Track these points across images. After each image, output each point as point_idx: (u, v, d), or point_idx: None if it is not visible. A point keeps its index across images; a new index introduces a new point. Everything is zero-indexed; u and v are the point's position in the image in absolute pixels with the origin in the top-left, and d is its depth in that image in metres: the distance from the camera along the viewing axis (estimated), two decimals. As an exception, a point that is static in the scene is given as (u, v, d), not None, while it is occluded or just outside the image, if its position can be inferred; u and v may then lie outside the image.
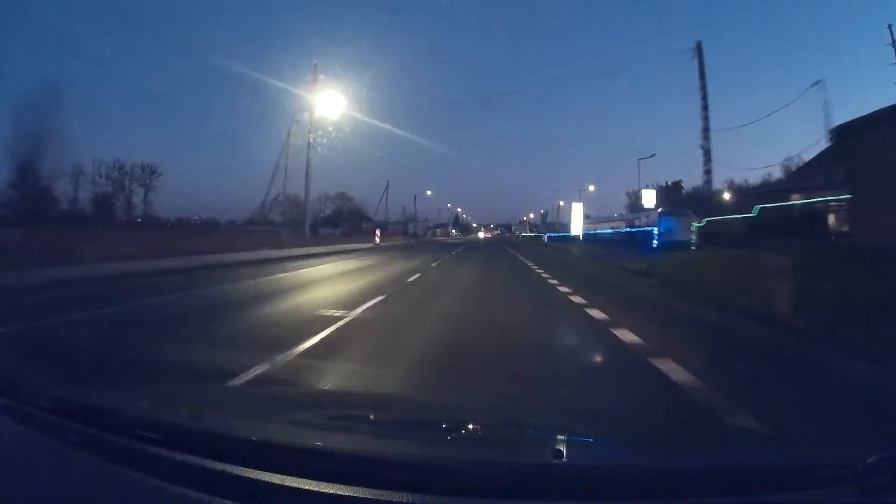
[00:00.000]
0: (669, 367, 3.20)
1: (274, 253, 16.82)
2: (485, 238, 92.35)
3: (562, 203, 72.53)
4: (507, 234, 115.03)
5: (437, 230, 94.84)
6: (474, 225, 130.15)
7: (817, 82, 29.09)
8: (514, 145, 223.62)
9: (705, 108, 28.21)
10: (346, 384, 3.08)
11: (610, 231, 39.22)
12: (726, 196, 46.07)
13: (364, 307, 5.99)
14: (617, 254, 16.91)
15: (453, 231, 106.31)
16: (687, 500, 0.89)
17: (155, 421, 1.14)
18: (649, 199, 41.57)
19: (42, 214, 28.46)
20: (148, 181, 48.90)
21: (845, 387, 2.98)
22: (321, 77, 30.28)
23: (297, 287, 8.82)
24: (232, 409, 1.40)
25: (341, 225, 54.38)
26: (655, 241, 25.47)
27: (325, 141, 30.85)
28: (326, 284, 9.36)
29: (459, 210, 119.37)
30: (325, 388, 2.92)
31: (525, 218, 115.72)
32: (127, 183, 47.13)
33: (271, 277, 10.24)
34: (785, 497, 0.90)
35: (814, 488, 0.91)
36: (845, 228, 14.46)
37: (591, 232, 45.38)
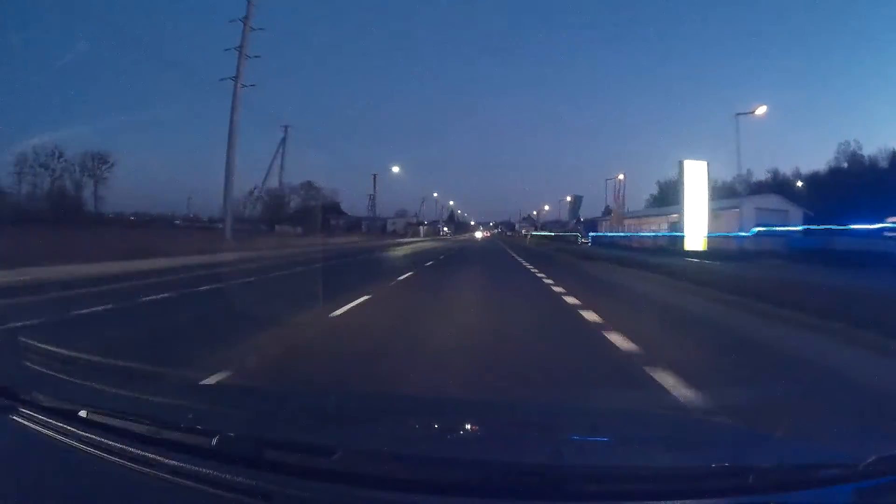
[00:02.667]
0: None
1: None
2: (483, 237, 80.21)
3: (621, 177, 41.46)
4: (508, 234, 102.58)
5: (422, 228, 78.16)
6: (472, 223, 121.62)
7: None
8: (512, 142, 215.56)
9: None
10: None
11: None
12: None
13: None
14: None
15: (445, 229, 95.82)
16: (687, 500, 0.91)
17: (155, 421, 1.15)
18: None
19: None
20: (98, 171, 41.78)
21: None
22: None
23: None
24: (231, 408, 1.39)
25: (305, 221, 46.14)
26: None
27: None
28: None
29: (452, 203, 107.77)
30: (325, 387, 2.95)
31: (534, 212, 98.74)
32: (77, 173, 39.97)
33: None
34: (785, 497, 0.92)
35: (814, 488, 0.93)
36: None
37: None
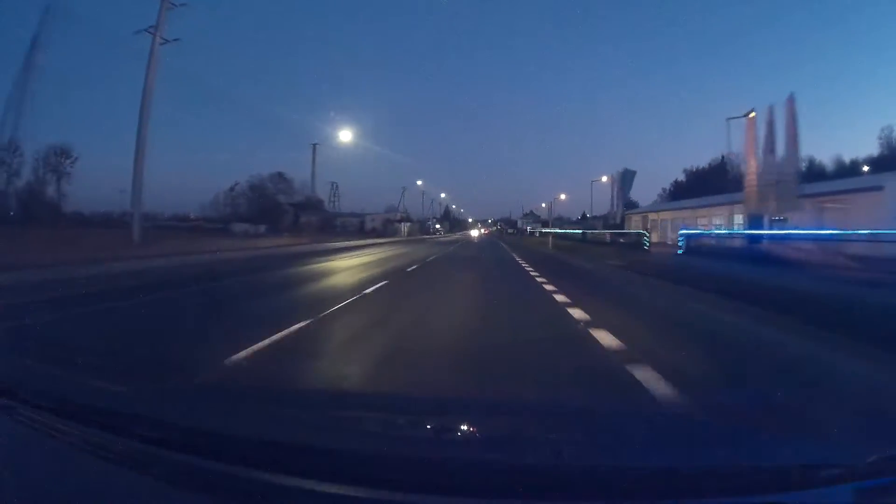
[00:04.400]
0: None
1: None
2: (481, 236, 68.93)
3: (753, 115, 19.46)
4: (510, 231, 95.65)
5: (405, 225, 63.20)
6: (469, 220, 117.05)
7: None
8: (512, 140, 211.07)
9: None
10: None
11: None
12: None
13: None
14: None
15: (437, 227, 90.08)
16: (687, 500, 0.92)
17: (155, 421, 1.16)
18: None
19: None
20: (60, 166, 38.97)
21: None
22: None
23: None
24: (232, 408, 1.40)
25: (270, 218, 41.08)
26: None
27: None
28: None
29: (444, 195, 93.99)
30: (325, 387, 2.91)
31: (543, 205, 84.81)
32: (41, 169, 36.99)
33: None
34: (785, 497, 0.93)
35: (814, 488, 0.94)
36: None
37: None
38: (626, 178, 39.60)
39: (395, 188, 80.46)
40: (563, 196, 70.06)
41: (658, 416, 1.85)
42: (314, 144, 32.11)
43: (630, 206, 44.55)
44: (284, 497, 0.93)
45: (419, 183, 74.87)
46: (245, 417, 1.27)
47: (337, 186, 55.90)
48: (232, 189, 53.45)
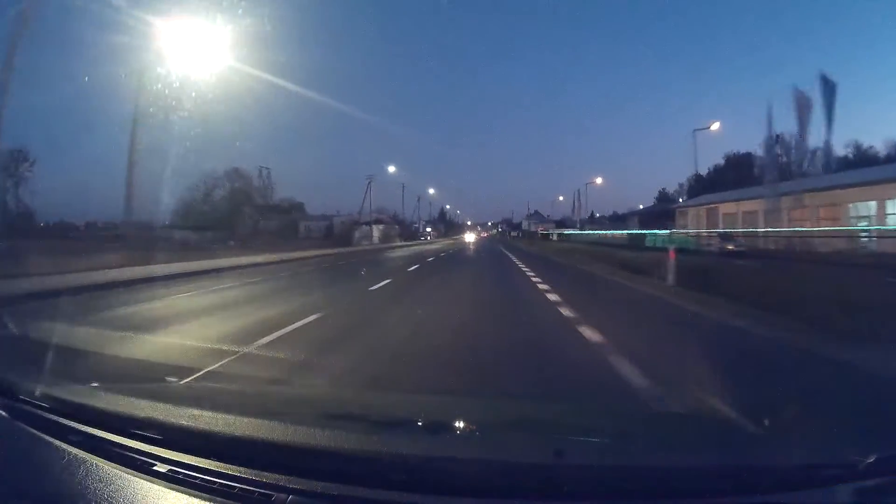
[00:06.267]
0: None
1: None
2: (479, 240, 60.95)
3: None
4: (513, 234, 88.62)
5: (376, 229, 50.79)
6: (468, 223, 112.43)
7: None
8: (511, 139, 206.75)
9: None
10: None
11: None
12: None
13: None
14: None
15: (428, 229, 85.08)
16: (687, 500, 0.93)
17: (155, 421, 1.17)
18: None
19: None
20: (16, 171, 35.85)
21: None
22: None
23: None
24: (231, 409, 1.40)
25: (224, 223, 36.52)
26: None
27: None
28: None
29: (431, 191, 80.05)
30: (324, 387, 2.97)
31: (560, 198, 75.41)
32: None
33: None
34: (785, 497, 0.93)
35: (814, 488, 0.95)
36: None
37: None
38: (826, 93, 20.13)
39: (391, 189, 72.93)
40: (599, 180, 50.25)
41: (658, 416, 1.86)
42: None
43: (665, 199, 31.50)
44: (284, 497, 0.93)
45: (391, 169, 55.24)
46: (245, 417, 1.25)
47: (269, 172, 44.25)
48: (209, 193, 49.49)
